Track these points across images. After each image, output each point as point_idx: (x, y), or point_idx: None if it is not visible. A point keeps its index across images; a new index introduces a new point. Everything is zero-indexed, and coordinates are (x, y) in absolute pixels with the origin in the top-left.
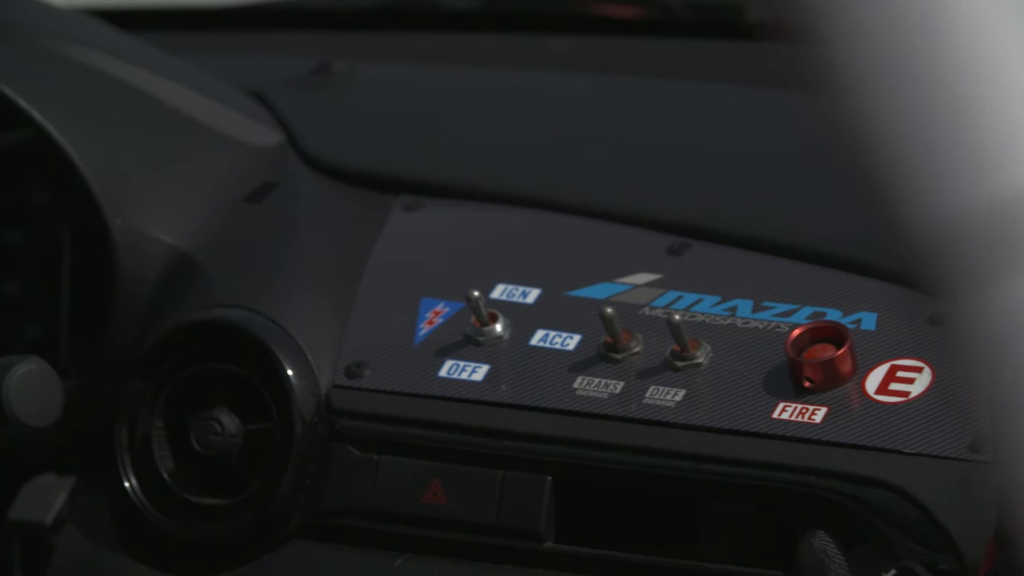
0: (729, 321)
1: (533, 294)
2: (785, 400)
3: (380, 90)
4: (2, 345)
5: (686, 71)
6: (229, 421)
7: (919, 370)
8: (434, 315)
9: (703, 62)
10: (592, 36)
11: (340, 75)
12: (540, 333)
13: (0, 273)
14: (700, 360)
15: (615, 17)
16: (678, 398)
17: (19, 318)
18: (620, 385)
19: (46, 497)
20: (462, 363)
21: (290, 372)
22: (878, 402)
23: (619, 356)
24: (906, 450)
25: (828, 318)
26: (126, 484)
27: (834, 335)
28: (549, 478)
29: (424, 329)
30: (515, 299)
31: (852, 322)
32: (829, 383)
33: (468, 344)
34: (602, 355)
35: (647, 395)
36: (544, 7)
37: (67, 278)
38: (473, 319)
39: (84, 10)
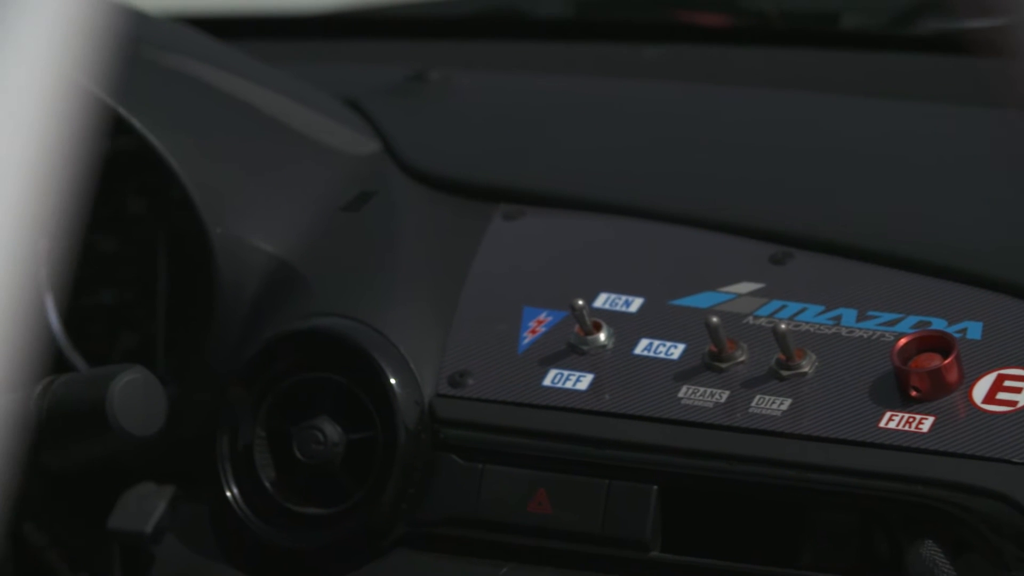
0: (834, 330)
1: (636, 303)
2: (891, 409)
3: (475, 98)
4: (97, 354)
5: (780, 80)
6: (332, 430)
7: None
8: (537, 324)
9: (797, 70)
10: (685, 45)
11: (435, 83)
12: (644, 342)
13: (95, 281)
14: (806, 369)
15: (708, 26)
16: (784, 407)
17: (114, 326)
18: (725, 394)
19: (145, 506)
20: (566, 372)
21: (393, 381)
22: (985, 411)
23: (724, 365)
24: (1015, 459)
25: (933, 327)
26: (227, 493)
27: (940, 344)
28: (655, 487)
29: (527, 338)
30: (618, 308)
31: (958, 331)
32: (936, 392)
33: (572, 353)
34: (707, 364)
35: (753, 404)
36: (637, 16)
37: (163, 286)
38: (577, 328)
39: (181, 20)
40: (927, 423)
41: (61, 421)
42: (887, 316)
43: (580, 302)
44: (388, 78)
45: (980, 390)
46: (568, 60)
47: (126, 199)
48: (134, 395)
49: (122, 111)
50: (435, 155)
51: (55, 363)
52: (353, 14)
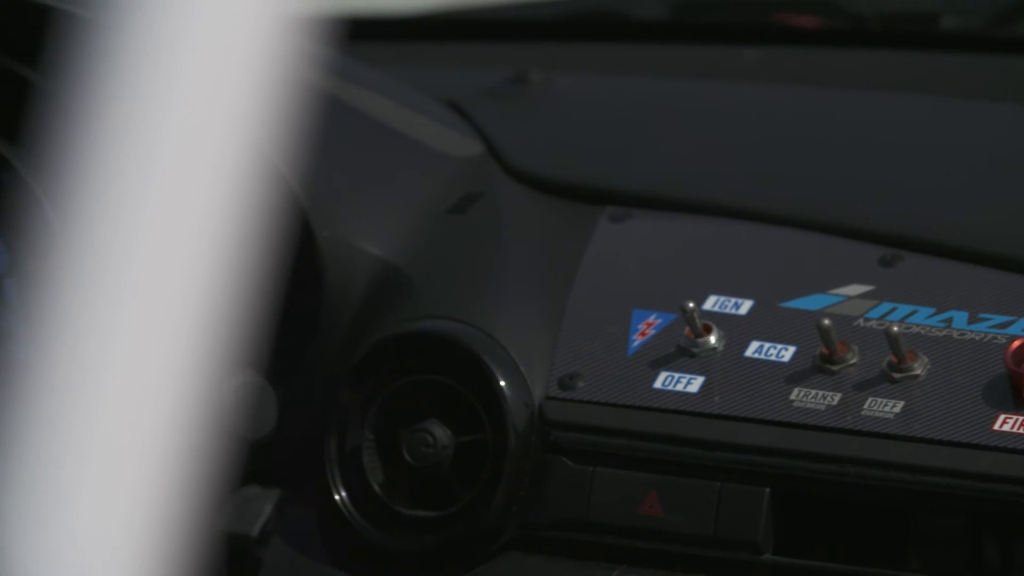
0: (945, 333)
1: (746, 305)
2: (1005, 412)
3: (577, 100)
4: None
5: (880, 81)
6: (441, 433)
7: None
8: (646, 326)
9: (897, 72)
10: (785, 47)
11: (537, 85)
12: (755, 344)
13: None
14: (918, 371)
15: (807, 28)
16: (896, 410)
17: None
18: (837, 397)
19: (252, 509)
20: (676, 375)
21: (503, 383)
22: None
23: (835, 368)
24: None
25: None
26: (335, 496)
27: None
28: (767, 490)
29: (637, 340)
30: (727, 310)
31: None
32: None
33: (682, 356)
34: (818, 367)
35: (865, 407)
36: (736, 18)
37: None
38: (687, 330)
39: None
40: None
41: None
42: (999, 318)
43: (691, 304)
44: (488, 80)
45: None
46: (667, 62)
47: None
48: (246, 399)
49: None
50: (539, 157)
51: None
52: (451, 16)
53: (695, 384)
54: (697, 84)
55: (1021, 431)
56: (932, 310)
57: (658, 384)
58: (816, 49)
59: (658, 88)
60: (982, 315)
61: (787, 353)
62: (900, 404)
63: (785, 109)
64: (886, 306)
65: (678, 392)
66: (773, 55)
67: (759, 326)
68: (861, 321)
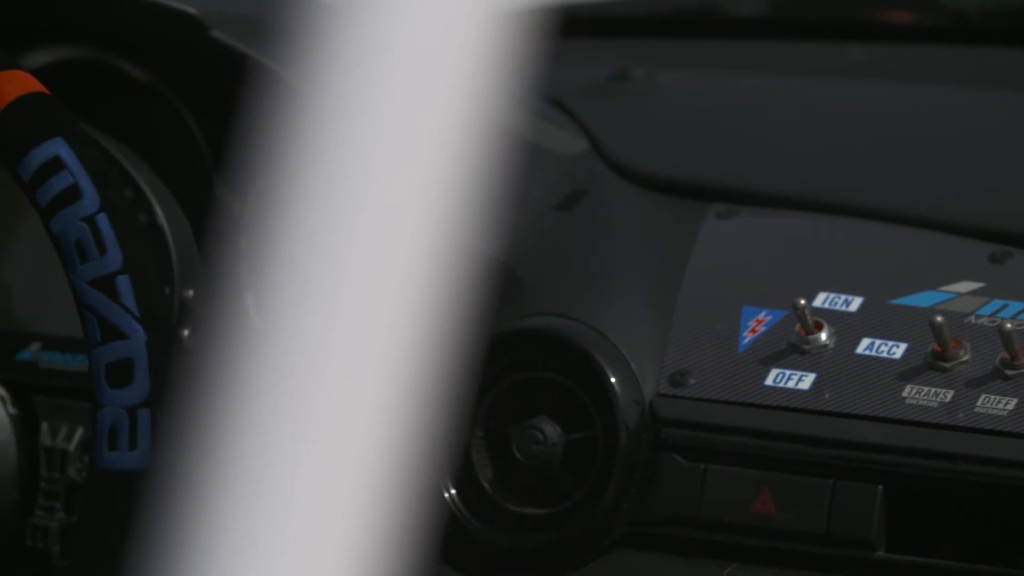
0: None
1: (856, 302)
2: None
3: (680, 97)
4: None
5: (983, 78)
6: (551, 430)
7: None
8: (756, 323)
9: (1000, 69)
10: (888, 44)
11: (639, 82)
12: (866, 341)
13: None
14: None
15: (910, 24)
16: (1010, 407)
17: None
18: (950, 394)
19: None
20: (787, 371)
21: (613, 380)
22: None
23: (948, 365)
24: None
25: None
26: (445, 494)
27: None
28: (880, 487)
29: (747, 337)
30: (838, 307)
31: None
32: None
33: (793, 352)
34: (930, 364)
35: (978, 404)
36: (838, 15)
37: None
38: (798, 327)
39: None
40: None
41: None
42: None
43: (802, 301)
44: (590, 76)
45: None
46: (768, 59)
47: None
48: None
49: None
50: (644, 154)
51: None
52: (552, 13)
53: (806, 381)
54: (799, 81)
55: None
56: None
57: (769, 381)
58: (919, 45)
59: (760, 85)
60: None
61: (898, 350)
62: (1013, 401)
63: (890, 106)
64: (997, 303)
65: (789, 389)
66: (876, 52)
67: (870, 323)
68: (972, 318)
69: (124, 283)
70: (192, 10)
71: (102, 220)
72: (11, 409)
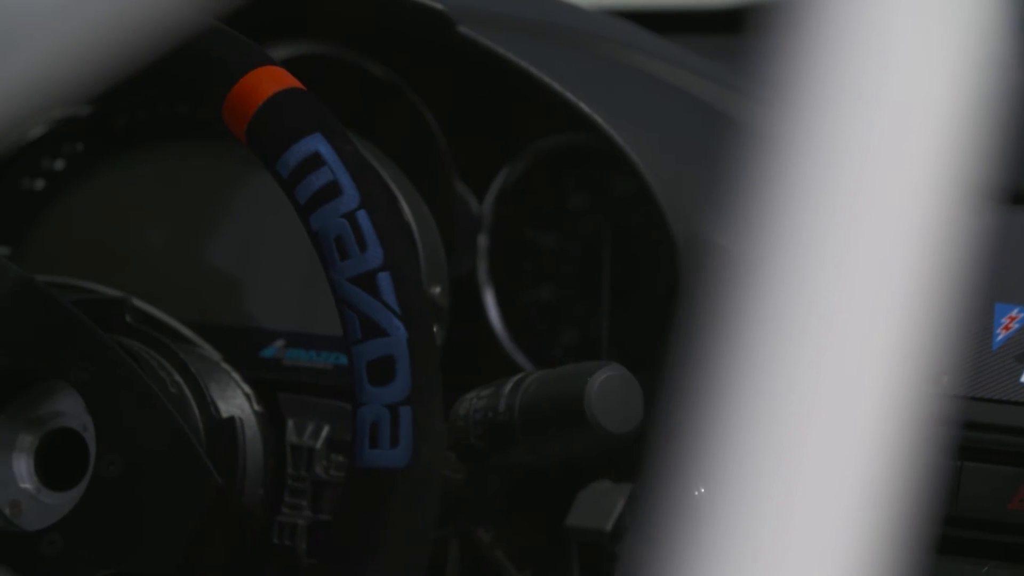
0: None
1: None
2: None
3: None
4: (539, 351)
5: None
6: None
7: None
8: (1009, 320)
9: None
10: None
11: None
12: None
13: (536, 277)
14: None
15: None
16: None
17: (555, 323)
18: None
19: (605, 504)
20: None
21: None
22: None
23: None
24: None
25: None
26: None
27: None
28: None
29: (1001, 335)
30: None
31: None
32: None
33: None
34: None
35: None
36: None
37: (607, 283)
38: None
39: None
40: None
41: (535, 418)
42: None
43: None
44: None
45: None
46: None
47: (567, 195)
48: (612, 392)
49: (583, 107)
50: None
51: (497, 361)
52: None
53: None
54: None
55: None
56: None
57: None
58: None
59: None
60: None
61: None
62: None
63: None
64: None
65: None
66: None
67: None
68: None
69: (385, 280)
70: (440, 5)
71: (362, 216)
72: (256, 406)
